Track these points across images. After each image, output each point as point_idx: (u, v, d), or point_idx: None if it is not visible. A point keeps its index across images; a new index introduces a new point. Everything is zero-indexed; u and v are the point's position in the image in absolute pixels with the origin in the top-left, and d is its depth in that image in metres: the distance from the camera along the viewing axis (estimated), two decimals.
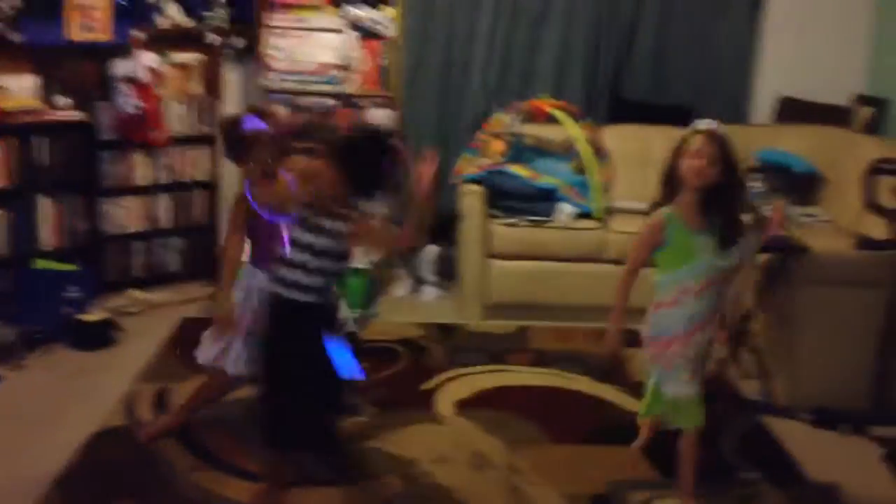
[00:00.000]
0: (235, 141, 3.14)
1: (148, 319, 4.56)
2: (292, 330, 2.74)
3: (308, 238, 2.69)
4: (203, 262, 5.18)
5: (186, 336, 4.30)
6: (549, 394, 3.87)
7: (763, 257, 3.79)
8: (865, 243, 3.61)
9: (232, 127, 3.20)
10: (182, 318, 4.52)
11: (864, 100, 5.17)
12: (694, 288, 2.82)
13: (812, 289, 3.57)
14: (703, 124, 2.80)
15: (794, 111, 5.34)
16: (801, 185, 4.86)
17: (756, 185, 4.74)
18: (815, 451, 3.44)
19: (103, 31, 4.54)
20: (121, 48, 4.61)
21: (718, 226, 2.81)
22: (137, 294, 4.76)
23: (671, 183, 2.83)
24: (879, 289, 3.55)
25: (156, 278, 5.03)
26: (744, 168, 4.79)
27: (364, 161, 2.69)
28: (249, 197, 2.98)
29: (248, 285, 3.17)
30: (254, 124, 3.11)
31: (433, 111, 5.37)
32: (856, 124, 5.07)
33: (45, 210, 4.55)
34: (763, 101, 5.51)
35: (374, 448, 3.31)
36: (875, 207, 3.64)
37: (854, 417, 3.58)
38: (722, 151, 2.76)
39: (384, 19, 5.09)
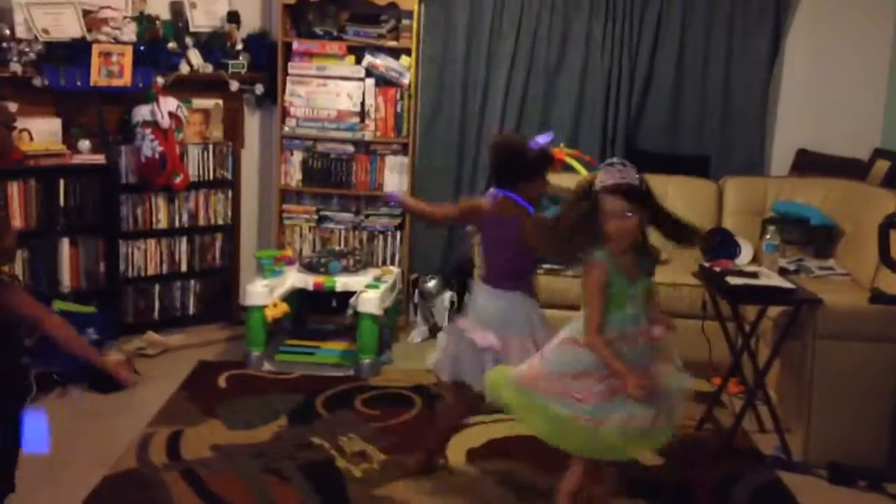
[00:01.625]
0: (524, 162, 3.20)
1: (165, 362, 4.60)
2: None
3: None
4: (221, 306, 5.23)
5: (202, 379, 4.33)
6: None
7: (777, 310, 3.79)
8: (879, 298, 3.58)
9: (519, 148, 3.25)
10: (199, 362, 4.55)
11: (881, 153, 5.17)
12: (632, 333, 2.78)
13: (826, 342, 3.55)
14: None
15: (811, 164, 5.34)
16: (818, 237, 4.84)
17: (772, 236, 4.73)
18: None
19: (125, 77, 4.62)
20: (142, 93, 4.69)
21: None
22: (155, 336, 4.78)
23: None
24: (894, 344, 3.53)
25: (173, 321, 5.08)
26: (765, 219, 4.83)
27: None
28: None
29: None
30: (543, 141, 3.21)
31: (450, 157, 5.40)
32: (873, 178, 5.05)
33: (65, 252, 4.63)
34: (780, 152, 5.49)
35: (385, 496, 3.30)
36: (889, 262, 3.62)
37: (870, 474, 3.54)
38: (640, 197, 2.69)
39: (400, 67, 5.16)
